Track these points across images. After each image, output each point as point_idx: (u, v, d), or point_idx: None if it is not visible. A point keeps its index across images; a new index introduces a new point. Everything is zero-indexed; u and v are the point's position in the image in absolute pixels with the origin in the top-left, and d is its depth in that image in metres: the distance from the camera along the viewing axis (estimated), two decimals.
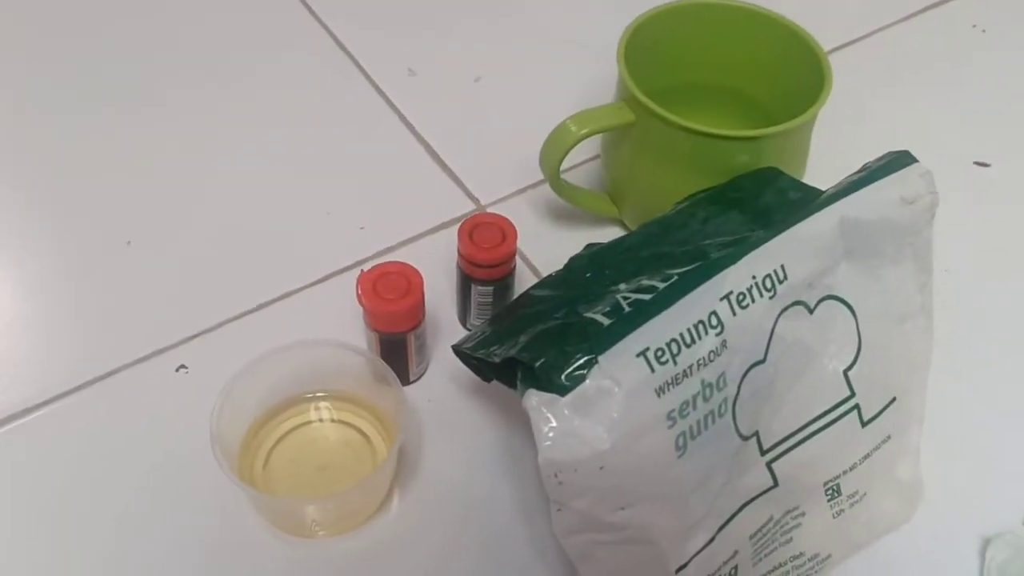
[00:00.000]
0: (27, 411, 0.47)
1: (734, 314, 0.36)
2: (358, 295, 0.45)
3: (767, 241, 0.38)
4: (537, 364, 0.35)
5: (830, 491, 0.41)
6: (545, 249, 0.54)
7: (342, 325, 0.49)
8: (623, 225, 0.55)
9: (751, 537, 0.40)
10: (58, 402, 0.48)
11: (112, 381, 0.48)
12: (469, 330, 0.50)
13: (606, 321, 0.36)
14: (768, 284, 0.37)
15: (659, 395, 0.35)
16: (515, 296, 0.47)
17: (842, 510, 0.42)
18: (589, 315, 0.37)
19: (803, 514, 0.41)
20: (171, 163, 0.58)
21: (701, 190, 0.48)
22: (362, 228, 0.55)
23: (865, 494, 0.42)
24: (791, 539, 0.41)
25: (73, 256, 0.54)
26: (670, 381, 0.35)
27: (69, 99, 0.61)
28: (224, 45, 0.65)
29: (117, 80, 0.62)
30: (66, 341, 0.50)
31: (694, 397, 0.35)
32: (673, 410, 0.35)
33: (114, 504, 0.45)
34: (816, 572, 0.42)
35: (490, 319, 0.44)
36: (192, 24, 0.66)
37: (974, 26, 0.70)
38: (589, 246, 0.46)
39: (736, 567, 0.39)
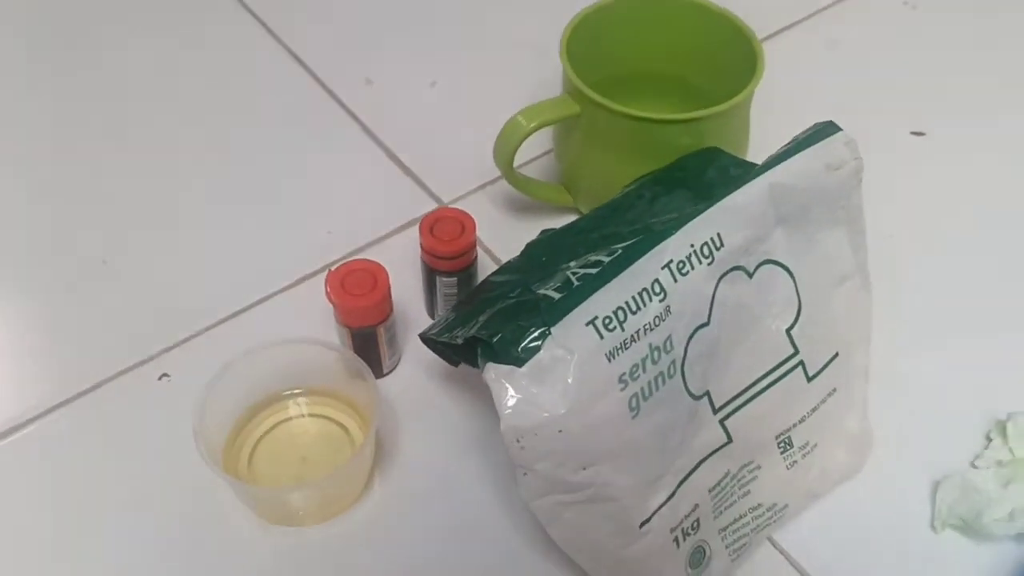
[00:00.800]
0: (15, 428, 0.49)
1: (675, 280, 0.39)
2: (327, 293, 0.47)
3: (703, 212, 0.41)
4: (495, 340, 0.37)
5: (782, 444, 0.44)
6: (506, 241, 0.56)
7: (315, 325, 0.51)
8: (578, 213, 0.58)
9: (710, 491, 0.42)
10: (46, 417, 0.49)
11: (98, 393, 0.50)
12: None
13: (557, 296, 0.38)
14: (706, 251, 0.40)
15: (610, 360, 0.37)
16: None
17: (795, 461, 0.44)
18: (542, 291, 0.39)
19: (758, 467, 0.43)
20: (141, 182, 0.60)
21: (647, 173, 0.50)
22: (329, 232, 0.57)
23: (816, 445, 0.45)
24: (749, 491, 0.43)
25: (51, 277, 0.56)
26: (619, 346, 0.37)
27: (39, 123, 0.63)
28: (184, 67, 0.67)
29: (83, 103, 0.65)
30: (49, 358, 0.52)
31: (643, 360, 0.38)
32: (624, 373, 0.37)
33: (107, 510, 0.47)
34: (775, 522, 0.44)
35: (453, 306, 0.46)
36: (152, 47, 0.68)
37: (904, 3, 0.73)
38: (544, 232, 0.48)
39: (698, 520, 0.42)
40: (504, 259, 0.56)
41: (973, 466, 0.48)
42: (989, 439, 0.49)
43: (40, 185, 0.60)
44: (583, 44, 0.53)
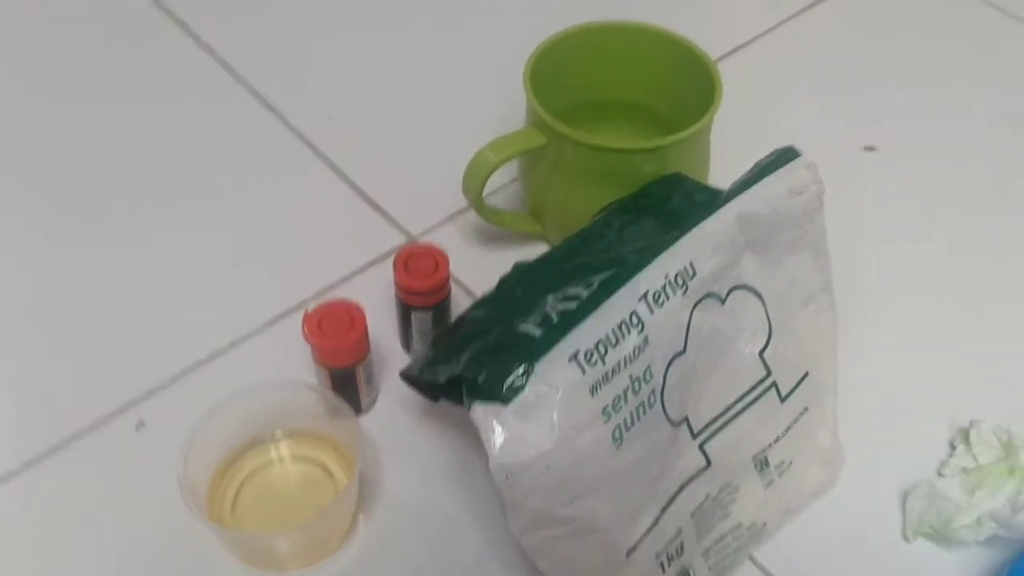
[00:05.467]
0: None
1: (652, 312, 0.40)
2: (304, 334, 0.47)
3: (675, 242, 0.42)
4: (480, 379, 0.38)
5: (759, 464, 0.45)
6: (477, 271, 0.57)
7: (291, 364, 0.51)
8: (547, 241, 0.59)
9: (692, 515, 0.43)
10: (23, 473, 0.49)
11: (76, 446, 0.50)
12: (412, 355, 0.52)
13: (538, 332, 0.39)
14: (680, 281, 0.41)
15: (592, 393, 0.38)
16: (452, 318, 0.50)
17: (772, 480, 0.45)
18: (522, 329, 0.40)
19: (737, 488, 0.44)
20: (107, 230, 0.60)
21: (614, 201, 0.51)
22: (302, 270, 0.57)
23: (791, 463, 0.46)
24: (729, 512, 0.44)
25: (20, 329, 0.55)
26: (601, 379, 0.38)
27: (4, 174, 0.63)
28: (145, 114, 0.67)
29: (43, 154, 0.64)
30: (23, 413, 0.52)
31: (624, 391, 0.39)
32: (607, 405, 0.38)
33: (91, 562, 0.46)
34: (755, 540, 0.46)
35: (431, 343, 0.47)
36: (110, 93, 0.68)
37: (853, 20, 0.76)
38: (517, 265, 0.49)
39: (682, 544, 0.43)
40: (475, 288, 0.57)
41: (940, 474, 0.50)
42: (953, 447, 0.51)
43: (3, 239, 0.60)
44: (546, 74, 0.54)
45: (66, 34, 0.72)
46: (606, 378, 0.38)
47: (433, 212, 0.61)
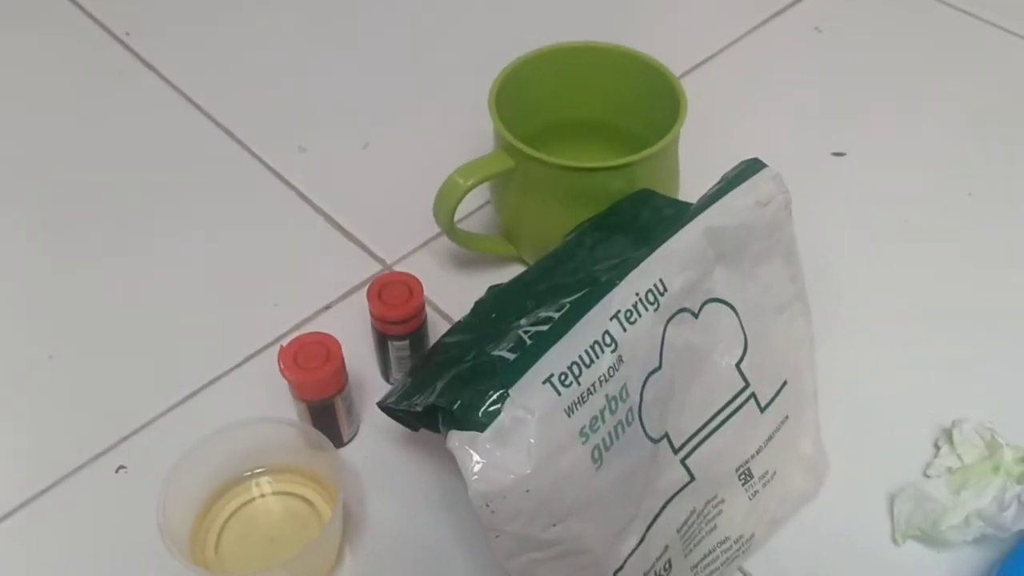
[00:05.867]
0: None
1: (624, 330, 0.40)
2: (280, 369, 0.47)
3: (644, 260, 0.42)
4: (455, 407, 0.38)
5: (742, 476, 0.45)
6: (453, 296, 0.57)
7: (271, 400, 0.51)
8: (522, 262, 0.59)
9: (678, 531, 0.43)
10: (4, 523, 0.48)
11: (55, 492, 0.49)
12: (392, 384, 0.52)
13: (511, 356, 0.39)
14: (651, 298, 0.41)
15: (569, 415, 0.38)
16: (430, 344, 0.50)
17: (757, 491, 0.45)
18: (496, 353, 0.40)
19: (722, 501, 0.44)
20: (79, 271, 0.60)
21: (585, 219, 0.51)
22: (276, 305, 0.57)
23: (775, 473, 0.46)
24: (715, 526, 0.44)
25: None
26: (577, 400, 0.38)
27: None
28: (118, 153, 0.67)
29: (13, 195, 0.64)
30: (1, 460, 0.51)
31: (601, 411, 0.39)
32: (584, 426, 0.38)
33: None
34: (743, 553, 0.45)
35: (408, 371, 0.47)
36: (80, 130, 0.68)
37: (816, 28, 0.76)
38: (491, 288, 0.49)
39: (669, 561, 0.42)
40: (452, 314, 0.57)
41: (925, 475, 0.49)
42: (938, 447, 0.51)
43: None
44: (511, 98, 0.55)
45: (38, 77, 0.72)
46: (582, 399, 0.38)
47: (407, 239, 0.61)
